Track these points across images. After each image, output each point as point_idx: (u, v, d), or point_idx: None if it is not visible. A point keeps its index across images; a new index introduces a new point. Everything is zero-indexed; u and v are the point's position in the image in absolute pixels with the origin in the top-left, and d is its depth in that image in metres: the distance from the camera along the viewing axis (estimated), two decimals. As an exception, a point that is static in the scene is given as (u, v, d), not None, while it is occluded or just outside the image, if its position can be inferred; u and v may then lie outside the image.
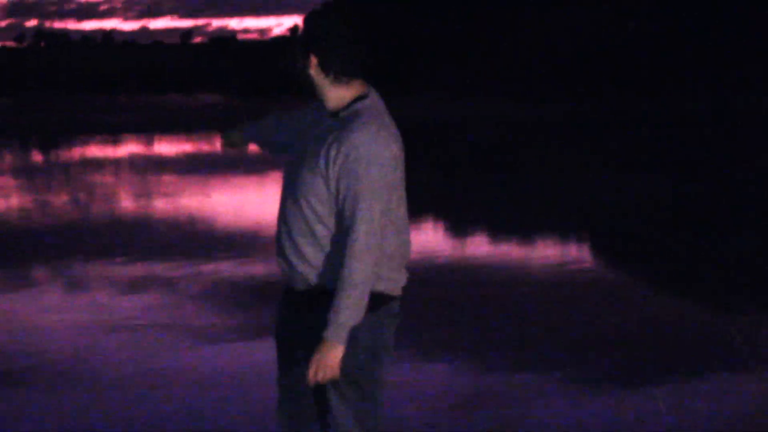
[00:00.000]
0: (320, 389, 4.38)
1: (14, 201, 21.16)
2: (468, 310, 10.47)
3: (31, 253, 14.10)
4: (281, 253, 4.40)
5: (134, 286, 11.68)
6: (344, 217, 4.19)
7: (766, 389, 7.83)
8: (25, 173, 29.10)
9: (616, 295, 11.32)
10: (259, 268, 12.69)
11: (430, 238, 15.29)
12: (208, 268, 12.76)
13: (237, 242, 14.83)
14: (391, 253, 4.32)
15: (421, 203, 18.71)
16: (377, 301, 4.31)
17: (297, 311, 4.42)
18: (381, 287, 4.32)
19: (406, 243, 4.43)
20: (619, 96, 67.57)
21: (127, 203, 20.52)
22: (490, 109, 66.32)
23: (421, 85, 79.70)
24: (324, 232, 4.26)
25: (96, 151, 38.90)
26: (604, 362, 8.56)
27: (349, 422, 4.35)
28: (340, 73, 4.31)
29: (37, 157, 37.38)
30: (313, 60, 4.32)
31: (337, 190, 4.19)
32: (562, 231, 16.27)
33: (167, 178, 26.21)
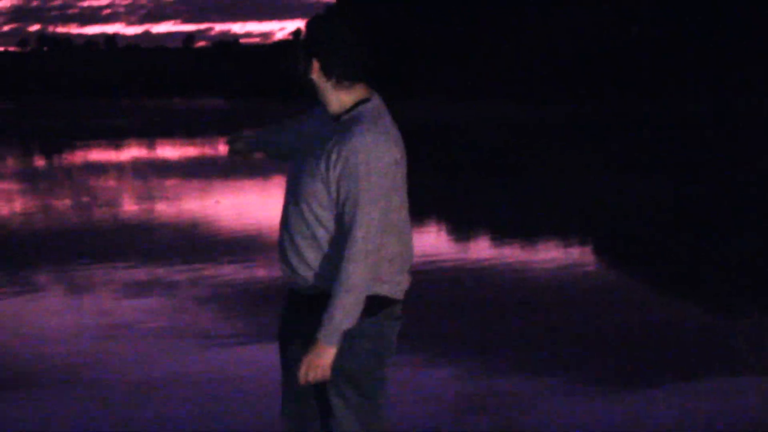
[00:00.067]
0: (323, 391, 4.40)
1: (17, 205, 21.19)
2: (471, 313, 10.48)
3: (34, 257, 14.12)
4: (283, 256, 4.41)
5: (137, 289, 11.70)
6: (343, 221, 4.20)
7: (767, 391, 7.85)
8: (28, 177, 29.12)
9: (619, 297, 11.33)
10: (261, 272, 12.70)
11: (432, 241, 15.30)
12: (210, 271, 12.78)
13: (240, 246, 14.84)
14: (393, 256, 4.33)
15: (423, 206, 18.73)
16: (379, 304, 4.33)
17: (299, 314, 4.43)
18: (383, 290, 4.33)
19: (409, 246, 4.44)
20: (621, 98, 67.56)
21: (130, 207, 20.54)
22: (492, 111, 66.30)
23: (423, 88, 79.72)
24: (325, 235, 4.27)
25: (99, 154, 38.90)
26: (607, 364, 8.57)
27: (352, 424, 4.36)
28: (342, 77, 4.31)
29: (40, 160, 37.39)
30: (316, 64, 4.32)
31: (338, 194, 4.20)
32: (565, 233, 16.28)
33: (170, 181, 26.24)
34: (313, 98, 4.43)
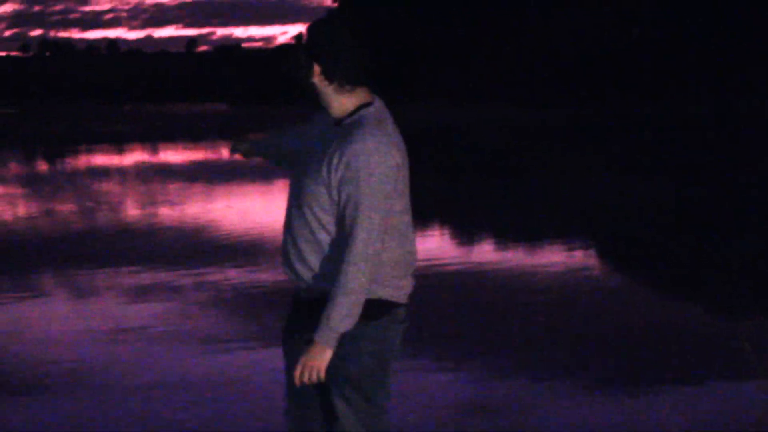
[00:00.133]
0: (326, 394, 4.42)
1: (21, 210, 21.21)
2: (474, 315, 10.49)
3: (38, 262, 14.13)
4: (286, 260, 4.42)
5: (141, 293, 11.71)
6: (344, 225, 4.21)
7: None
8: (32, 182, 29.14)
9: (621, 299, 11.33)
10: (265, 276, 12.71)
11: (435, 244, 15.31)
12: (215, 275, 12.79)
13: (244, 250, 14.85)
14: (396, 260, 4.34)
15: (425, 208, 18.73)
16: (383, 308, 4.34)
17: (302, 318, 4.44)
18: (386, 294, 4.34)
19: (412, 250, 4.45)
20: (623, 100, 67.52)
21: (133, 211, 20.56)
22: (493, 113, 66.26)
23: (424, 90, 79.66)
24: (327, 239, 4.28)
25: (101, 159, 38.92)
26: (609, 366, 8.57)
27: (354, 427, 4.37)
28: (343, 81, 4.31)
29: (43, 165, 37.41)
30: (317, 68, 4.32)
31: (339, 198, 4.21)
32: (567, 235, 16.28)
33: (173, 186, 26.25)
34: (314, 102, 4.44)
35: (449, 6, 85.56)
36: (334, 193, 4.22)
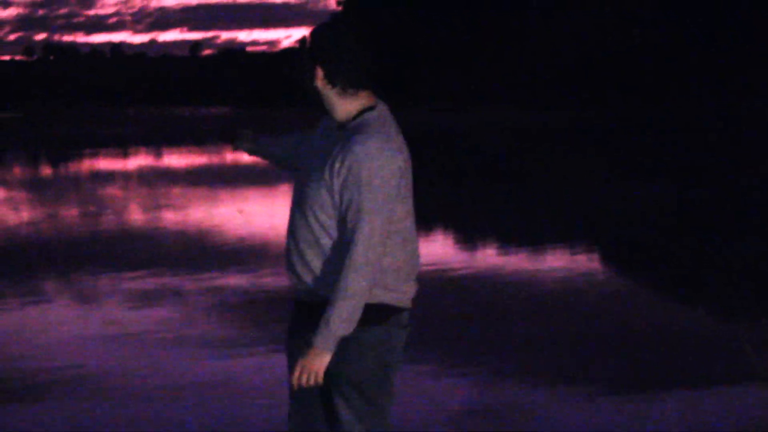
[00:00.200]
0: (329, 397, 4.42)
1: (24, 214, 21.23)
2: (477, 319, 10.49)
3: (42, 266, 14.14)
4: (290, 265, 4.42)
5: (145, 298, 11.71)
6: (346, 229, 4.21)
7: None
8: (36, 185, 29.16)
9: (625, 303, 11.32)
10: (269, 280, 12.71)
11: (438, 248, 15.32)
12: (218, 280, 12.79)
13: (247, 254, 14.86)
14: (400, 265, 4.34)
15: (428, 212, 18.72)
16: (386, 312, 4.34)
17: (305, 322, 4.42)
18: (389, 299, 4.33)
19: (415, 254, 4.44)
20: (624, 102, 67.44)
21: (136, 215, 20.58)
22: (495, 116, 66.20)
23: (426, 93, 79.59)
24: (330, 243, 4.28)
25: (105, 163, 38.94)
26: (613, 370, 8.56)
27: (357, 431, 4.36)
28: (346, 84, 4.31)
29: (46, 169, 37.44)
30: (320, 72, 4.32)
31: (341, 202, 4.21)
32: (570, 239, 16.27)
33: (176, 190, 26.26)
34: (318, 106, 4.45)
35: (451, 9, 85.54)
36: (337, 197, 4.21)
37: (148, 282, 12.68)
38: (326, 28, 4.39)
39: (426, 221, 17.60)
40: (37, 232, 18.19)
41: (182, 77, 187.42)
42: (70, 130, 68.32)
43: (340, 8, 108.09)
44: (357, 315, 4.22)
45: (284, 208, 4.64)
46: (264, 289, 12.20)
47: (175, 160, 40.29)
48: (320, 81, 4.34)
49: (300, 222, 4.35)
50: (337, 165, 4.20)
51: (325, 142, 4.38)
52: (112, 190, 26.76)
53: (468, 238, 17.27)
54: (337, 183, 4.20)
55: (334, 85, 4.32)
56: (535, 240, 16.27)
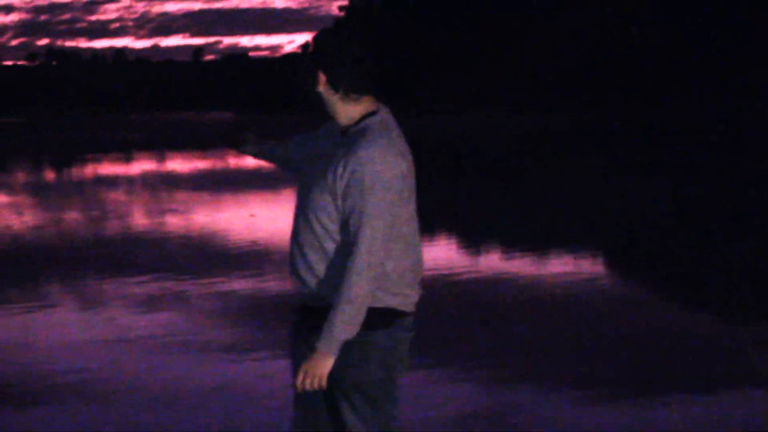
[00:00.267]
0: (334, 402, 4.43)
1: (28, 218, 21.23)
2: (479, 322, 10.49)
3: (45, 270, 14.15)
4: (294, 269, 4.43)
5: (148, 302, 11.72)
6: (348, 233, 4.22)
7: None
8: (39, 190, 29.17)
9: (628, 306, 11.31)
10: (273, 285, 12.71)
11: (440, 252, 15.30)
12: (222, 284, 12.79)
13: (251, 259, 14.86)
14: (403, 269, 4.35)
15: (430, 216, 18.72)
16: (390, 316, 4.35)
17: (309, 326, 4.44)
18: (393, 303, 4.35)
19: (418, 259, 4.45)
20: (625, 103, 67.42)
21: (140, 220, 20.58)
22: (497, 118, 66.22)
23: (427, 95, 79.58)
24: (334, 248, 4.29)
25: (108, 168, 38.96)
26: (615, 373, 8.55)
27: (363, 436, 4.38)
28: (349, 90, 4.32)
29: (50, 174, 37.46)
30: (322, 77, 4.34)
31: (344, 207, 4.22)
32: (573, 243, 16.26)
33: (180, 194, 26.28)
34: (321, 111, 4.46)
35: (452, 11, 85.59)
36: (340, 201, 4.23)
37: (152, 286, 12.69)
38: (329, 34, 4.41)
39: (428, 224, 17.59)
40: (41, 237, 18.20)
41: (185, 82, 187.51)
42: (73, 135, 68.35)
43: (342, 14, 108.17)
44: (360, 319, 4.23)
45: (288, 213, 4.64)
46: (268, 293, 12.20)
47: (179, 164, 40.29)
48: (323, 86, 4.35)
49: (304, 226, 4.36)
50: (340, 170, 4.21)
51: (328, 146, 4.39)
52: (115, 195, 26.77)
53: (470, 241, 17.26)
54: (340, 187, 4.22)
55: (336, 90, 4.34)
56: (537, 243, 16.25)
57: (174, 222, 19.90)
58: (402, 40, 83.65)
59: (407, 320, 4.43)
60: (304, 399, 4.51)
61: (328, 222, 4.28)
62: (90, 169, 38.35)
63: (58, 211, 22.73)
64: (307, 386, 4.29)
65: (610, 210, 20.88)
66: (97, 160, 43.20)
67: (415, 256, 4.42)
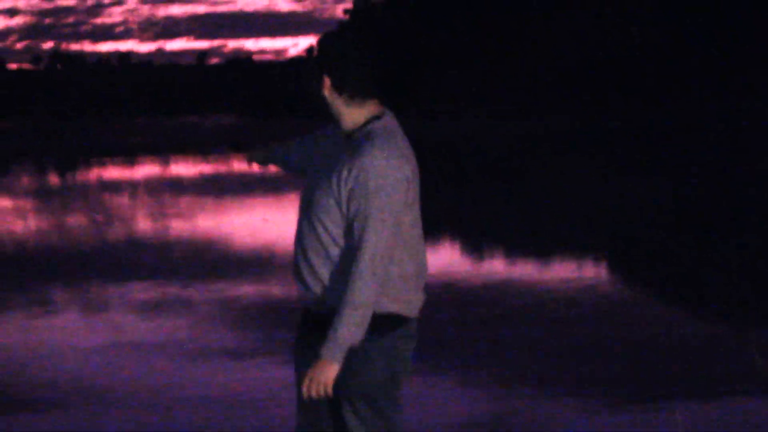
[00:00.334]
0: (337, 408, 4.40)
1: (32, 223, 21.25)
2: (483, 327, 10.48)
3: (49, 275, 14.17)
4: (297, 274, 4.41)
5: (152, 308, 11.72)
6: (353, 238, 4.21)
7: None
8: (43, 195, 29.23)
9: (633, 311, 11.31)
10: (275, 289, 12.72)
11: (442, 256, 15.30)
12: (225, 288, 12.80)
13: (254, 263, 14.87)
14: (407, 274, 4.33)
15: (432, 219, 18.71)
16: (393, 322, 4.33)
17: (313, 331, 4.42)
18: (397, 308, 4.32)
19: (423, 264, 4.44)
20: (626, 104, 67.55)
21: (144, 225, 20.60)
22: (498, 120, 66.37)
23: (428, 96, 79.78)
24: (338, 253, 4.27)
25: (112, 172, 39.04)
26: (619, 379, 8.55)
27: (366, 442, 4.35)
28: (353, 93, 4.31)
29: (53, 178, 37.53)
30: (327, 81, 4.32)
31: (348, 211, 4.21)
32: (576, 247, 16.27)
33: (184, 199, 26.30)
34: (325, 115, 4.42)
35: (452, 12, 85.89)
36: (344, 206, 4.21)
37: (155, 292, 12.68)
38: (334, 37, 4.40)
39: (429, 228, 17.56)
40: (45, 242, 18.21)
41: (189, 86, 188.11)
42: (77, 139, 68.52)
43: (346, 17, 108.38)
44: (365, 324, 4.21)
45: (292, 217, 4.59)
46: (272, 298, 12.21)
47: (183, 168, 40.37)
48: (328, 90, 4.34)
49: (308, 231, 4.34)
50: (344, 174, 4.20)
51: (332, 150, 4.38)
52: (119, 199, 26.80)
53: (471, 245, 17.27)
54: (344, 192, 4.20)
55: (341, 94, 4.33)
56: (538, 245, 16.30)
57: (178, 226, 19.89)
58: (402, 41, 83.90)
59: (411, 325, 4.41)
60: (307, 405, 4.49)
61: (332, 227, 4.26)
62: (94, 173, 38.43)
63: (62, 216, 22.75)
64: (313, 393, 4.26)
65: (610, 210, 20.94)
66: (101, 164, 43.30)
67: (419, 261, 4.40)
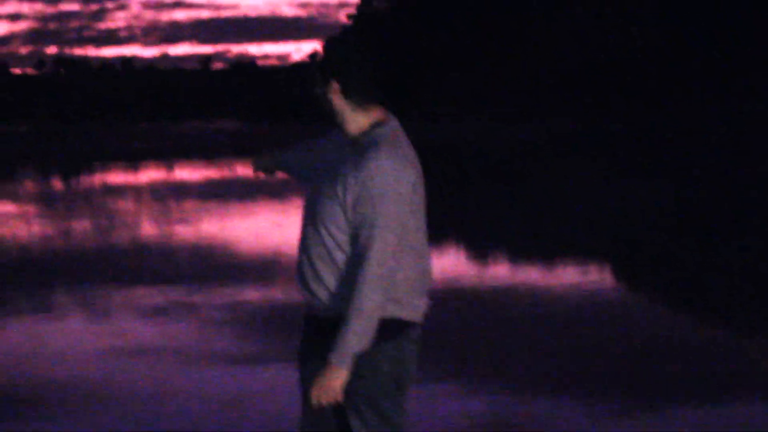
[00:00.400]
0: (342, 413, 4.41)
1: (36, 228, 21.26)
2: (487, 332, 10.47)
3: (53, 279, 14.16)
4: (302, 279, 4.42)
5: (155, 311, 11.72)
6: (358, 244, 4.21)
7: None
8: (47, 200, 29.23)
9: (638, 316, 11.29)
10: (279, 294, 12.71)
11: (446, 261, 15.28)
12: (229, 293, 12.79)
13: (258, 268, 14.86)
14: (411, 279, 4.34)
15: (435, 224, 18.70)
16: (398, 327, 4.34)
17: (318, 337, 4.44)
18: (402, 314, 4.33)
19: (427, 269, 4.44)
20: (627, 106, 67.51)
21: (148, 230, 20.60)
22: (499, 122, 66.30)
23: (429, 99, 79.79)
24: (343, 259, 4.28)
25: (116, 177, 39.03)
26: (625, 384, 8.53)
27: (371, 447, 4.36)
28: (361, 98, 4.32)
29: (57, 183, 37.52)
30: (335, 85, 4.33)
31: (354, 217, 4.21)
32: (578, 248, 16.24)
33: (188, 204, 26.30)
34: (329, 120, 4.43)
35: (453, 14, 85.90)
36: (350, 212, 4.21)
37: (159, 296, 12.68)
38: (342, 42, 4.40)
39: (433, 232, 17.56)
40: (49, 247, 18.22)
41: (193, 90, 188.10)
42: (80, 144, 68.53)
43: (350, 22, 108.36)
44: (372, 330, 4.21)
45: (296, 222, 4.60)
46: (277, 303, 12.19)
47: (187, 173, 40.35)
48: (335, 94, 4.35)
49: (313, 237, 4.34)
50: (350, 180, 4.20)
51: (336, 156, 4.39)
52: (123, 204, 26.81)
53: (475, 249, 17.24)
54: (350, 198, 4.21)
55: (348, 99, 4.33)
56: (542, 250, 16.28)
57: (182, 231, 19.90)
58: (404, 44, 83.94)
59: (415, 330, 4.42)
60: (311, 410, 4.50)
61: (337, 233, 4.26)
62: (98, 178, 38.42)
63: (66, 221, 22.76)
64: (323, 400, 4.27)
65: (613, 213, 20.90)
66: (105, 169, 43.30)
67: (423, 267, 4.41)
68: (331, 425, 4.51)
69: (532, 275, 14.11)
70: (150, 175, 40.02)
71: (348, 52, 4.33)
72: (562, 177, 31.30)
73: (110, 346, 10.05)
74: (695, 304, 12.33)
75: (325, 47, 4.39)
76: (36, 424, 7.66)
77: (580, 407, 7.89)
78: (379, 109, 4.37)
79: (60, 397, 8.33)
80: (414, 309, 4.38)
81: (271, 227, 20.21)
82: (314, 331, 4.47)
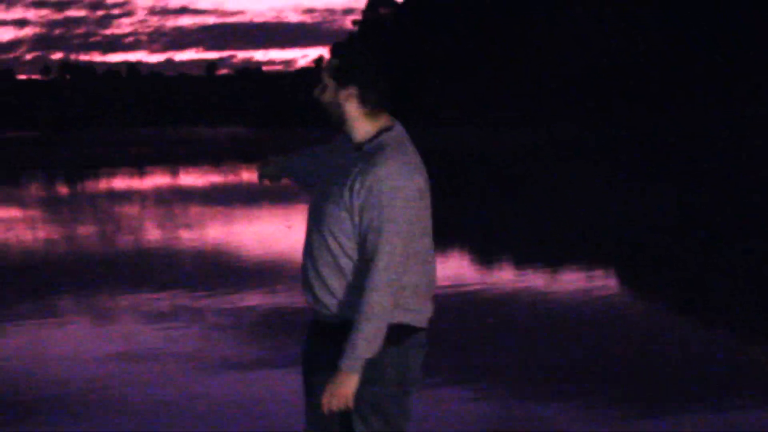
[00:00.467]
0: (347, 419, 4.42)
1: (41, 232, 21.29)
2: (491, 338, 10.47)
3: (57, 284, 14.18)
4: (307, 285, 4.43)
5: (160, 316, 11.73)
6: (366, 250, 4.21)
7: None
8: (53, 205, 29.25)
9: (646, 321, 11.26)
10: (284, 299, 12.71)
11: (451, 267, 15.28)
12: (233, 298, 12.80)
13: (262, 273, 14.86)
14: (418, 285, 4.34)
15: (439, 228, 18.71)
16: (403, 333, 4.34)
17: (323, 343, 4.44)
18: (407, 319, 4.34)
19: (432, 274, 4.45)
20: (630, 110, 67.43)
21: (153, 235, 20.61)
22: (501, 126, 66.18)
23: (432, 103, 79.74)
24: (349, 264, 4.28)
25: (122, 182, 39.05)
26: (627, 388, 8.52)
27: (376, 452, 4.35)
28: (376, 105, 4.34)
29: (63, 189, 37.55)
30: (353, 91, 4.32)
31: (361, 223, 4.21)
32: (582, 252, 16.25)
33: (193, 209, 26.31)
34: (334, 125, 4.43)
35: (457, 21, 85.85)
36: (357, 218, 4.22)
37: (164, 301, 12.69)
38: (362, 49, 4.40)
39: (437, 237, 17.56)
40: (54, 251, 18.24)
41: (198, 96, 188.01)
42: (86, 150, 68.55)
43: (355, 28, 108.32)
44: (382, 335, 4.22)
45: (301, 227, 4.64)
46: (281, 308, 12.20)
47: (192, 179, 40.37)
48: (351, 101, 4.34)
49: (318, 243, 4.35)
50: (356, 186, 4.21)
51: (341, 162, 4.38)
52: (128, 210, 26.83)
53: (479, 254, 17.24)
54: (356, 204, 4.21)
55: (365, 106, 4.34)
56: (545, 254, 16.26)
57: (187, 236, 19.92)
58: (407, 49, 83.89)
59: (421, 336, 4.43)
60: (316, 415, 4.51)
61: (343, 238, 4.27)
62: (103, 184, 38.44)
63: (71, 226, 22.78)
64: (334, 406, 4.27)
65: (616, 217, 20.88)
66: (110, 175, 43.31)
67: (429, 272, 4.42)
68: (335, 430, 4.51)
69: (535, 279, 14.10)
70: (155, 180, 40.04)
71: (369, 58, 4.33)
72: (564, 181, 31.29)
73: (115, 351, 10.06)
74: (698, 307, 12.33)
75: (342, 53, 4.37)
76: (40, 428, 7.68)
77: (584, 411, 7.90)
78: (385, 116, 4.38)
79: (65, 400, 8.33)
80: (419, 314, 4.39)
81: (276, 233, 20.24)
82: (319, 338, 4.48)
